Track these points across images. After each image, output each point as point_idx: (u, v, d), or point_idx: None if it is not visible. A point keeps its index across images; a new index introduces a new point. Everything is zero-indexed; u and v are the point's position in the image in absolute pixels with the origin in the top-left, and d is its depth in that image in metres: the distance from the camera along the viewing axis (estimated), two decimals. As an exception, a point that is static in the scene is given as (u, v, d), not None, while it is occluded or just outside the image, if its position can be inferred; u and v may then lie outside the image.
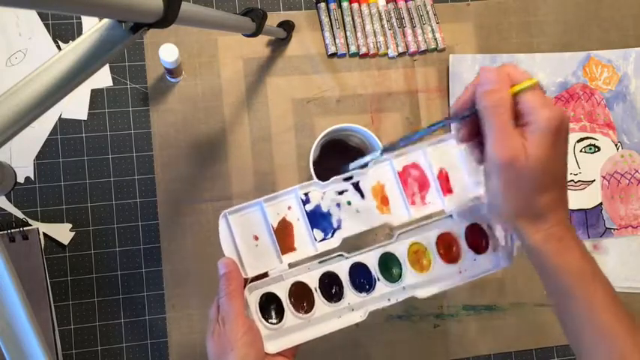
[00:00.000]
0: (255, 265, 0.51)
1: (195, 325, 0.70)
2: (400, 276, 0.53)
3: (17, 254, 0.67)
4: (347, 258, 0.53)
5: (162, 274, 0.71)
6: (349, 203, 0.53)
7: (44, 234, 0.69)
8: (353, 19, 0.77)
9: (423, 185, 0.54)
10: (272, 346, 0.49)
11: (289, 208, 0.53)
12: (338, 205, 0.53)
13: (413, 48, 0.77)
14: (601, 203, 0.78)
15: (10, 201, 0.69)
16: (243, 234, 0.51)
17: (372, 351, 0.73)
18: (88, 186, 0.71)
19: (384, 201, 0.54)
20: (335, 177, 0.53)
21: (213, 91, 0.74)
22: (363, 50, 0.76)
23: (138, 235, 0.71)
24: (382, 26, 0.77)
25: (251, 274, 0.51)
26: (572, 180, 0.78)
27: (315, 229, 0.52)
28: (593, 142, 0.78)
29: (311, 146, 0.65)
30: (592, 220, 0.77)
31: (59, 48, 0.72)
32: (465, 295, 0.74)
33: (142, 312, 0.70)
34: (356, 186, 0.53)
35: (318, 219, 0.52)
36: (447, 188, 0.54)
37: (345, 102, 0.76)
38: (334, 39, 0.76)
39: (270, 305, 0.50)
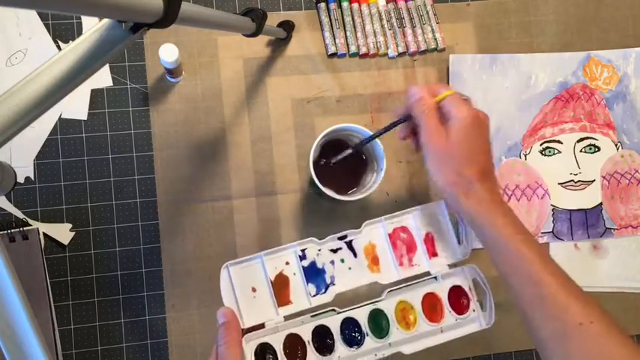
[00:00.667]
0: (252, 316, 0.54)
1: (195, 325, 0.70)
2: (388, 332, 0.56)
3: (17, 254, 0.67)
4: (339, 313, 0.56)
5: (162, 274, 0.71)
6: (342, 261, 0.57)
7: (44, 234, 0.69)
8: (353, 19, 0.77)
9: (411, 248, 0.59)
10: None
11: (287, 263, 0.56)
12: (332, 262, 0.57)
13: (413, 48, 0.77)
14: (601, 203, 0.78)
15: (10, 201, 0.69)
16: (242, 285, 0.55)
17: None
18: (88, 186, 0.71)
19: (374, 261, 0.58)
20: (330, 236, 0.58)
21: (213, 91, 0.74)
22: (363, 50, 0.76)
23: (138, 235, 0.71)
24: (382, 26, 0.77)
25: (248, 325, 0.54)
26: (573, 180, 0.78)
27: (310, 284, 0.56)
28: (593, 142, 0.78)
29: (311, 146, 0.65)
30: (592, 220, 0.77)
31: (59, 48, 0.72)
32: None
33: (142, 312, 0.70)
34: (349, 245, 0.58)
35: (313, 275, 0.56)
36: (432, 251, 0.60)
37: (345, 102, 0.76)
38: (334, 39, 0.76)
39: (265, 355, 0.53)
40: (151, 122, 0.72)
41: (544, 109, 0.78)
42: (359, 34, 0.77)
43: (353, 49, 0.76)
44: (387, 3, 0.78)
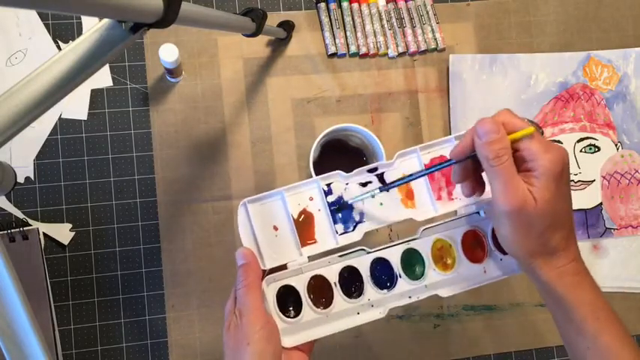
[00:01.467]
0: (274, 256, 0.50)
1: (195, 325, 0.70)
2: (423, 274, 0.51)
3: (17, 254, 0.67)
4: (369, 253, 0.51)
5: (162, 274, 0.71)
6: (373, 196, 0.50)
7: (44, 234, 0.69)
8: (353, 19, 0.77)
9: (451, 180, 0.52)
10: (289, 341, 0.48)
11: (311, 199, 0.51)
12: None
13: (413, 48, 0.77)
14: (601, 203, 0.78)
15: (10, 201, 0.69)
16: (262, 224, 0.50)
17: (372, 351, 0.73)
18: (88, 186, 0.71)
19: (409, 195, 0.52)
20: (359, 168, 0.51)
21: (213, 91, 0.74)
22: (363, 50, 0.76)
23: (138, 235, 0.71)
24: (382, 26, 0.77)
25: (269, 266, 0.49)
26: (572, 180, 0.78)
27: (336, 222, 0.51)
28: (593, 142, 0.78)
29: (311, 146, 0.65)
30: (592, 220, 0.77)
31: (59, 48, 0.72)
32: (464, 295, 0.74)
33: (142, 312, 0.70)
34: (381, 178, 0.51)
35: (340, 211, 0.51)
36: None
37: (345, 102, 0.76)
38: (334, 39, 0.76)
39: (288, 299, 0.49)
40: (151, 122, 0.72)
41: (544, 109, 0.78)
42: (359, 34, 0.77)
43: (353, 49, 0.76)
44: (387, 3, 0.78)
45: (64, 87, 0.39)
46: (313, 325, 0.49)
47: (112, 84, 0.72)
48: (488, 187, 0.47)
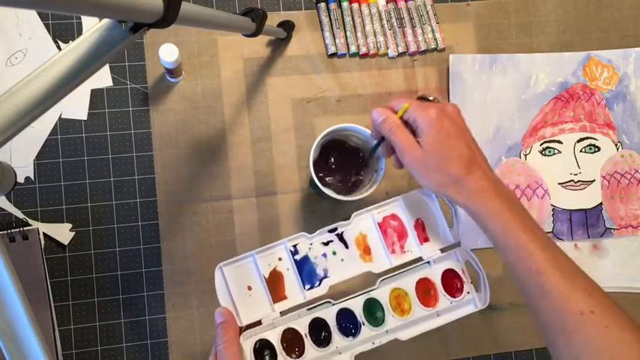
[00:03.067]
0: (249, 313, 0.55)
1: (195, 325, 0.70)
2: (383, 320, 0.57)
3: (17, 254, 0.67)
4: (334, 304, 0.56)
5: (162, 274, 0.71)
6: (334, 253, 0.58)
7: (44, 234, 0.69)
8: (353, 19, 0.77)
9: (402, 235, 0.59)
10: None
11: (280, 259, 0.57)
12: (324, 255, 0.58)
13: (413, 48, 0.77)
14: (601, 203, 0.78)
15: (10, 201, 0.69)
16: (237, 284, 0.56)
17: (371, 351, 0.72)
18: (87, 186, 0.71)
19: (366, 250, 0.59)
20: (321, 229, 0.58)
21: (213, 91, 0.74)
22: (363, 50, 0.76)
23: (138, 235, 0.71)
24: (382, 26, 0.77)
25: (246, 322, 0.55)
26: (572, 180, 0.78)
27: (303, 278, 0.57)
28: (593, 142, 0.78)
29: (311, 146, 0.65)
30: (592, 220, 0.77)
31: (59, 48, 0.72)
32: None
33: (142, 312, 0.70)
34: (340, 237, 0.58)
35: (307, 269, 0.57)
36: (423, 237, 0.60)
37: (345, 102, 0.76)
38: (334, 39, 0.76)
39: (264, 351, 0.54)
40: (151, 122, 0.72)
41: (544, 109, 0.78)
42: (359, 34, 0.77)
43: (353, 49, 0.76)
44: (387, 3, 0.78)
45: (64, 87, 0.39)
46: None
47: (112, 84, 0.72)
48: None
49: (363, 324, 0.56)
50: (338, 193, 0.65)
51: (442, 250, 0.59)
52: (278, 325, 0.55)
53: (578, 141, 0.78)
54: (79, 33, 0.73)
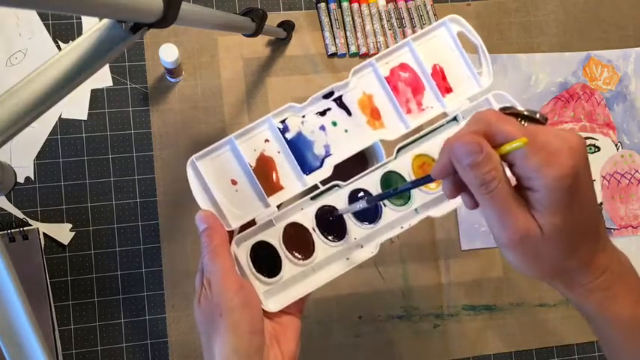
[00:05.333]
0: (238, 213, 0.44)
1: (195, 325, 0.70)
2: (409, 197, 0.45)
3: (17, 254, 0.67)
4: (344, 187, 0.46)
5: (162, 274, 0.71)
6: (335, 124, 0.46)
7: (44, 234, 0.69)
8: (353, 19, 0.77)
9: (417, 88, 0.47)
10: (273, 304, 0.43)
11: (266, 141, 0.45)
12: (322, 127, 0.46)
13: (413, 48, 0.77)
14: (601, 203, 0.78)
15: (10, 201, 0.69)
16: (218, 180, 0.44)
17: (372, 351, 0.72)
18: (87, 186, 0.71)
19: (374, 114, 0.46)
20: (312, 96, 0.45)
21: (213, 91, 0.74)
22: (363, 50, 0.76)
23: (138, 235, 0.71)
24: (382, 26, 0.77)
25: (235, 226, 0.44)
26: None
27: (300, 161, 0.45)
28: (593, 142, 0.78)
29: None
30: (592, 220, 0.77)
31: (59, 48, 0.72)
32: (465, 295, 0.74)
33: (142, 312, 0.70)
34: (339, 102, 0.46)
35: (302, 148, 0.45)
36: (445, 87, 0.47)
37: (345, 102, 0.76)
38: (334, 39, 0.76)
39: (263, 257, 0.44)
40: (150, 122, 0.72)
41: (544, 109, 0.78)
42: (359, 34, 0.77)
43: (353, 49, 0.76)
44: (387, 3, 0.78)
45: (64, 87, 0.39)
46: (297, 280, 0.44)
47: (112, 84, 0.72)
48: None
49: (385, 205, 0.45)
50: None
51: (471, 100, 0.47)
52: (277, 222, 0.45)
53: (578, 141, 0.78)
54: (79, 33, 0.73)
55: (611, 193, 0.78)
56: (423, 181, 0.38)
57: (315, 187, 0.45)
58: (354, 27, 0.77)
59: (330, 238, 0.45)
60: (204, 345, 0.41)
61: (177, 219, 0.71)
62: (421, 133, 0.47)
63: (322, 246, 0.44)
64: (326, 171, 0.45)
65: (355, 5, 0.77)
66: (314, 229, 0.45)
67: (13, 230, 0.67)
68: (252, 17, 0.61)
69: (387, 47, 0.76)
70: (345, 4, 0.77)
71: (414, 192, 0.46)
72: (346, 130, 0.46)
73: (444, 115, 0.47)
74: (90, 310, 0.69)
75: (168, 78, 0.73)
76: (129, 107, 0.72)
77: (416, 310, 0.73)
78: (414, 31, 0.77)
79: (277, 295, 0.44)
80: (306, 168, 0.45)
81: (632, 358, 0.36)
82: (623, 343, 0.36)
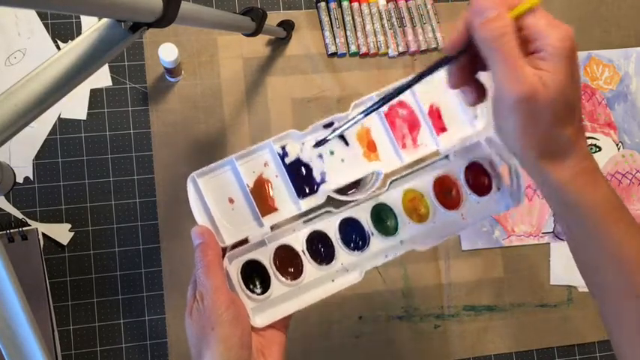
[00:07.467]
0: (232, 231, 0.46)
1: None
2: (396, 228, 0.48)
3: (16, 254, 0.67)
4: (335, 214, 0.48)
5: (162, 275, 0.70)
6: (332, 153, 0.48)
7: (43, 234, 0.69)
8: (353, 18, 0.77)
9: (413, 125, 0.49)
10: (260, 320, 0.45)
11: (265, 164, 0.47)
12: (320, 156, 0.47)
13: (413, 47, 0.77)
14: (602, 203, 0.78)
15: (9, 201, 0.69)
16: (216, 198, 0.46)
17: (372, 351, 0.72)
18: (87, 186, 0.71)
19: (371, 147, 0.48)
20: (313, 125, 0.47)
21: (213, 91, 0.74)
22: (363, 50, 0.76)
23: (137, 235, 0.71)
24: (382, 26, 0.77)
25: (229, 242, 0.46)
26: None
27: (296, 185, 0.47)
28: (594, 142, 0.78)
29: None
30: (593, 220, 0.77)
31: (58, 48, 0.72)
32: (465, 295, 0.74)
33: (141, 312, 0.70)
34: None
35: (299, 174, 0.47)
36: (439, 126, 0.49)
37: (345, 102, 0.75)
38: (334, 38, 0.76)
39: (253, 274, 0.46)
40: (150, 122, 0.72)
41: (545, 109, 0.78)
42: (359, 34, 0.76)
43: (353, 48, 0.76)
44: (387, 2, 0.78)
45: (63, 87, 0.39)
46: (285, 299, 0.46)
47: (111, 84, 0.72)
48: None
49: (372, 234, 0.47)
50: (338, 193, 0.65)
51: (463, 141, 0.49)
52: (269, 242, 0.46)
53: (579, 141, 0.78)
54: (79, 32, 0.73)
55: (611, 193, 0.78)
56: (442, 63, 0.37)
57: (309, 211, 0.47)
58: (354, 26, 0.77)
59: (318, 261, 0.47)
60: (194, 357, 0.43)
61: (176, 219, 0.71)
62: (414, 168, 0.49)
63: (310, 268, 0.46)
64: (320, 197, 0.47)
65: (355, 4, 0.77)
66: (304, 252, 0.47)
67: (12, 230, 0.67)
68: (252, 17, 0.61)
69: (387, 47, 0.76)
70: (345, 4, 0.77)
71: (402, 224, 0.48)
72: (343, 160, 0.48)
73: (437, 153, 0.49)
74: (89, 311, 0.69)
75: (168, 78, 0.73)
76: (128, 107, 0.72)
77: (416, 311, 0.73)
78: (414, 31, 0.77)
79: (265, 312, 0.45)
80: (302, 193, 0.47)
81: (601, 245, 0.38)
82: (594, 228, 0.38)
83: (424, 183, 0.49)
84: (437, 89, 0.49)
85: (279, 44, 0.75)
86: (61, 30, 0.72)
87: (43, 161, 0.70)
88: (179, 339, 0.70)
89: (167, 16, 0.40)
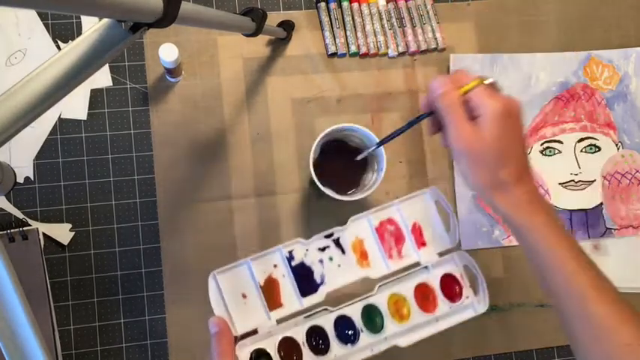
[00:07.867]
0: (244, 322, 0.54)
1: (195, 325, 0.70)
2: (382, 327, 0.56)
3: (17, 254, 0.67)
4: (332, 311, 0.56)
5: (162, 274, 0.71)
6: (331, 259, 0.57)
7: (44, 234, 0.69)
8: (353, 18, 0.77)
9: (399, 239, 0.59)
10: None
11: (275, 266, 0.56)
12: (321, 261, 0.57)
13: (413, 48, 0.77)
14: (601, 203, 0.78)
15: (9, 201, 0.69)
16: (231, 293, 0.54)
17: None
18: (87, 186, 0.71)
19: (363, 256, 0.58)
20: (316, 235, 0.57)
21: (213, 91, 0.74)
22: (363, 50, 0.76)
23: (138, 235, 0.71)
24: (382, 26, 0.77)
25: (241, 332, 0.53)
26: (573, 180, 0.78)
27: (300, 285, 0.56)
28: (593, 142, 0.78)
29: (311, 146, 0.65)
30: (592, 220, 0.77)
31: (59, 48, 0.72)
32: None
33: (141, 312, 0.70)
34: (337, 242, 0.57)
35: (303, 275, 0.56)
36: (421, 241, 0.59)
37: (345, 102, 0.76)
38: (334, 39, 0.76)
39: None
40: (150, 122, 0.72)
41: (544, 109, 0.78)
42: (359, 34, 0.76)
43: (353, 48, 0.76)
44: (387, 3, 0.78)
45: (63, 87, 0.39)
46: None
47: (111, 84, 0.72)
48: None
49: (362, 331, 0.56)
50: (338, 193, 0.65)
51: (440, 255, 0.59)
52: (274, 333, 0.54)
53: (579, 141, 0.78)
54: (79, 33, 0.73)
55: (611, 194, 0.78)
56: (416, 120, 0.53)
57: (309, 308, 0.55)
58: (354, 27, 0.77)
59: (315, 352, 0.54)
60: None
61: (176, 219, 0.71)
62: (398, 275, 0.58)
63: (309, 359, 0.54)
64: (319, 296, 0.56)
65: (355, 5, 0.77)
66: (303, 344, 0.54)
67: (12, 230, 0.67)
68: (252, 17, 0.61)
69: (387, 47, 0.77)
70: (345, 4, 0.77)
71: (386, 323, 0.56)
72: (339, 265, 0.57)
73: (418, 263, 0.58)
74: (90, 311, 0.69)
75: (168, 78, 0.73)
76: (128, 107, 0.72)
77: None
78: (414, 31, 0.77)
79: None
80: (304, 291, 0.55)
81: (549, 255, 0.47)
82: (537, 245, 0.48)
83: (407, 288, 0.57)
84: (420, 210, 0.60)
85: (279, 44, 0.76)
86: (62, 30, 0.72)
87: (44, 161, 0.70)
88: (179, 338, 0.70)
89: (167, 17, 0.40)
